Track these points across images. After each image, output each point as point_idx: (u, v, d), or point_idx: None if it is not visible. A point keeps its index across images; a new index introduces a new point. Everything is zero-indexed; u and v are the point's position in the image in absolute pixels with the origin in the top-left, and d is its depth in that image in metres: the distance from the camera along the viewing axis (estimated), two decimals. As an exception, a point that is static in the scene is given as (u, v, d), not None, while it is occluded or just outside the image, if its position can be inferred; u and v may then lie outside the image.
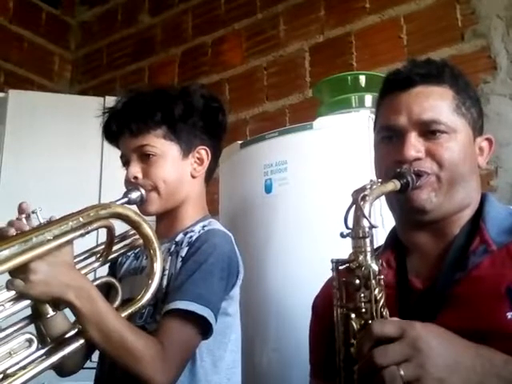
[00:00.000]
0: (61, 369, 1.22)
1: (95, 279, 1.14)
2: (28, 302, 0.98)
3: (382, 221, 1.38)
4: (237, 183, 1.81)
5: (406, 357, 0.70)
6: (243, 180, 1.77)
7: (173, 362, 1.04)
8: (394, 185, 0.90)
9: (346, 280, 0.84)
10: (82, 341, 0.99)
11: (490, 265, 0.88)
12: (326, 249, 1.11)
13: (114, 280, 1.18)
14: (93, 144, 2.39)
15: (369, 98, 1.86)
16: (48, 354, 0.99)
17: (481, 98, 1.07)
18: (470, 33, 2.08)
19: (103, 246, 1.16)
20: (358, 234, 0.83)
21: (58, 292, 0.95)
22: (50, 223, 0.97)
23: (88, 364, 1.27)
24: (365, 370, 0.72)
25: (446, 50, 2.09)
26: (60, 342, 1.02)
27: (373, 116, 1.23)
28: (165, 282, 1.16)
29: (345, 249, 0.85)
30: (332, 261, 0.86)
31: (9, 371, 0.96)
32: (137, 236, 1.15)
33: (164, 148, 1.24)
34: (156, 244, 1.07)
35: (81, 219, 0.97)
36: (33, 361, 0.98)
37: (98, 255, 1.16)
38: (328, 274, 0.89)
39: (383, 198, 0.99)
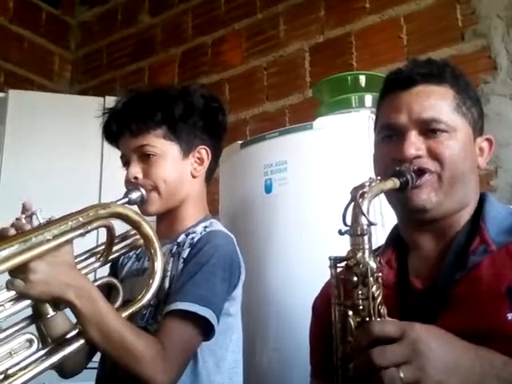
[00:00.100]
0: (62, 369, 1.22)
1: (96, 279, 1.14)
2: (28, 301, 0.98)
3: (382, 220, 1.38)
4: (237, 183, 1.81)
5: (406, 359, 0.69)
6: (243, 180, 1.77)
7: (173, 362, 1.04)
8: (393, 183, 0.90)
9: (343, 277, 0.83)
10: (82, 341, 0.99)
11: (489, 265, 0.88)
12: (326, 248, 1.10)
13: (114, 280, 1.17)
14: (93, 144, 2.39)
15: (369, 98, 1.86)
16: (48, 354, 0.98)
17: (481, 98, 1.07)
18: (470, 33, 2.08)
19: (103, 246, 1.16)
20: (356, 231, 0.83)
21: (58, 292, 0.95)
22: (50, 223, 0.97)
23: (89, 364, 1.27)
24: (362, 368, 0.72)
25: (446, 50, 2.09)
26: (60, 342, 1.02)
27: (373, 116, 1.23)
28: (167, 284, 1.16)
29: (345, 248, 0.85)
30: (330, 258, 0.86)
31: (9, 371, 0.96)
32: (137, 236, 1.14)
33: (164, 148, 1.24)
34: (157, 244, 1.06)
35: (80, 219, 0.97)
36: (33, 361, 0.98)
37: (99, 255, 1.16)
38: (328, 273, 0.89)
39: (384, 196, 0.99)
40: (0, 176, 2.41)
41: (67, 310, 1.02)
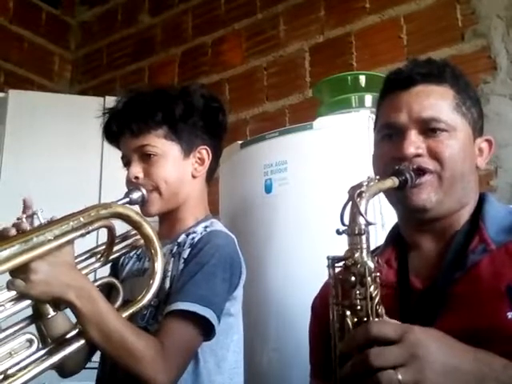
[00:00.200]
0: (62, 369, 1.22)
1: (96, 280, 1.14)
2: (29, 302, 0.98)
3: (382, 219, 1.38)
4: (237, 183, 1.81)
5: (404, 361, 0.69)
6: (243, 180, 1.77)
7: (174, 362, 1.04)
8: (392, 182, 0.90)
9: (341, 277, 0.83)
10: (82, 341, 0.99)
11: (489, 264, 0.88)
12: (326, 248, 1.10)
13: (115, 280, 1.17)
14: (93, 144, 2.39)
15: (369, 98, 1.86)
16: (49, 355, 0.98)
17: (481, 98, 1.07)
18: (470, 33, 2.08)
19: (104, 247, 1.16)
20: (353, 230, 0.83)
21: (58, 292, 0.95)
22: (51, 223, 0.97)
23: (89, 364, 1.27)
24: (359, 368, 0.72)
25: (446, 50, 2.09)
26: (61, 342, 1.02)
27: (373, 116, 1.23)
28: (167, 284, 1.16)
29: (345, 248, 0.85)
30: (328, 258, 0.86)
31: (9, 371, 0.96)
32: (138, 236, 1.14)
33: (165, 148, 1.24)
34: (157, 244, 1.06)
35: (81, 219, 0.97)
36: (33, 361, 0.98)
37: (99, 255, 1.16)
38: (327, 272, 0.89)
39: (384, 196, 0.99)
40: (0, 176, 2.41)
41: (67, 310, 1.02)
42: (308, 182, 1.62)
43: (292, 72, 2.53)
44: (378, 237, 1.16)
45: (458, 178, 0.95)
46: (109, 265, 1.26)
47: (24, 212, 1.05)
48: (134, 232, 1.17)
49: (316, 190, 1.60)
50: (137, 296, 1.06)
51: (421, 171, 0.93)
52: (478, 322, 0.83)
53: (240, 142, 1.82)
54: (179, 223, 1.27)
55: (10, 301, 0.97)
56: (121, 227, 1.13)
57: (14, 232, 0.99)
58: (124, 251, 1.22)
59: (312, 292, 1.11)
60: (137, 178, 1.22)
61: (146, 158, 1.23)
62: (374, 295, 0.79)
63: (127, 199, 1.18)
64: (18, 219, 1.02)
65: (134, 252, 1.29)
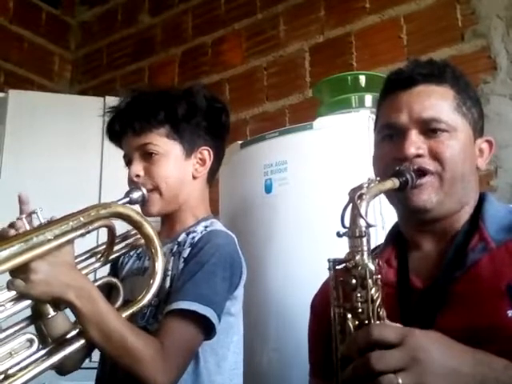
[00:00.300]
0: (60, 367, 1.22)
1: (96, 279, 1.14)
2: (29, 302, 0.98)
3: (382, 220, 1.38)
4: (237, 183, 1.81)
5: (405, 365, 0.69)
6: (243, 180, 1.77)
7: (174, 362, 1.04)
8: (392, 183, 0.90)
9: (342, 280, 0.83)
10: (82, 341, 0.99)
11: (489, 262, 0.88)
12: (326, 249, 1.10)
13: (115, 280, 1.18)
14: (93, 144, 2.39)
15: (369, 98, 1.86)
16: (49, 354, 0.98)
17: (481, 99, 1.07)
18: (470, 33, 2.08)
19: (104, 246, 1.16)
20: (354, 233, 0.83)
21: (58, 292, 0.95)
22: (51, 223, 0.97)
23: (89, 364, 1.27)
24: (359, 372, 0.72)
25: (446, 50, 2.09)
26: (61, 342, 1.02)
27: (373, 116, 1.23)
28: (167, 283, 1.16)
29: (345, 249, 0.85)
30: (329, 260, 0.86)
31: (10, 371, 0.96)
32: (138, 236, 1.14)
33: (167, 147, 1.24)
34: (157, 244, 1.06)
35: (81, 219, 0.97)
36: (34, 361, 0.98)
37: (99, 255, 1.16)
38: (328, 273, 0.89)
39: (384, 196, 0.99)
40: (0, 176, 2.40)
41: (67, 310, 1.02)
42: (308, 181, 1.62)
43: (292, 72, 2.52)
44: (378, 237, 1.16)
45: (458, 178, 0.95)
46: (109, 264, 1.26)
47: (21, 208, 1.05)
48: (134, 232, 1.17)
49: (316, 189, 1.60)
50: (137, 295, 1.06)
51: (421, 172, 0.93)
52: (478, 321, 0.83)
53: (240, 141, 1.82)
54: (180, 223, 1.27)
55: (11, 301, 0.97)
56: (121, 227, 1.13)
57: (13, 232, 0.99)
58: (124, 251, 1.22)
59: (312, 292, 1.11)
60: (138, 176, 1.22)
61: (148, 156, 1.23)
62: (375, 298, 0.79)
63: (127, 199, 1.18)
64: (18, 219, 1.03)
65: (133, 251, 1.29)
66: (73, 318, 1.04)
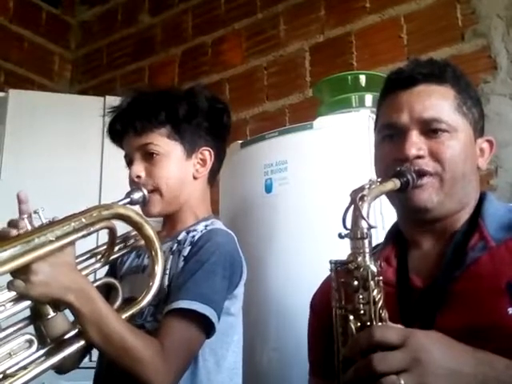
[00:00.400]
0: (59, 367, 1.21)
1: (96, 280, 1.14)
2: (29, 302, 0.98)
3: (382, 220, 1.38)
4: (237, 183, 1.81)
5: (407, 366, 0.69)
6: (243, 180, 1.77)
7: (174, 363, 1.04)
8: (393, 184, 0.90)
9: (344, 281, 0.83)
10: (82, 342, 0.99)
11: (488, 261, 0.88)
12: (327, 248, 1.10)
13: (114, 281, 1.17)
14: (93, 144, 2.39)
15: (369, 98, 1.86)
16: (48, 355, 0.98)
17: (481, 98, 1.07)
18: (470, 33, 2.08)
19: (105, 247, 1.16)
20: (356, 234, 0.83)
21: (58, 293, 0.95)
22: (53, 224, 0.96)
23: (88, 363, 1.27)
24: (361, 373, 0.72)
25: (446, 50, 2.09)
26: (60, 342, 1.02)
27: (373, 116, 1.23)
28: (166, 282, 1.16)
29: (345, 248, 0.84)
30: (331, 262, 0.86)
31: (9, 372, 0.95)
32: (138, 237, 1.14)
33: (168, 147, 1.24)
34: (158, 245, 1.06)
35: (83, 220, 0.97)
36: (33, 361, 0.97)
37: (100, 256, 1.16)
38: (328, 273, 0.89)
39: (384, 196, 0.99)
40: (0, 176, 2.40)
41: (67, 311, 1.02)
42: (308, 181, 1.62)
43: (292, 72, 2.52)
44: (378, 237, 1.16)
45: (459, 179, 0.95)
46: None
47: (20, 208, 1.05)
48: (134, 233, 1.17)
49: (316, 189, 1.60)
50: (136, 293, 1.06)
51: (422, 173, 0.93)
52: (478, 319, 0.83)
53: (240, 141, 1.82)
54: (181, 223, 1.27)
55: (11, 301, 0.96)
56: (121, 227, 1.13)
57: (15, 232, 0.99)
58: (124, 251, 1.22)
59: (312, 291, 1.11)
60: (139, 177, 1.22)
61: (149, 157, 1.23)
62: (377, 299, 0.79)
63: (128, 199, 1.18)
64: (20, 219, 1.02)
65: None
66: (72, 319, 1.04)
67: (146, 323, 1.14)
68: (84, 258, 1.13)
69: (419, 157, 0.93)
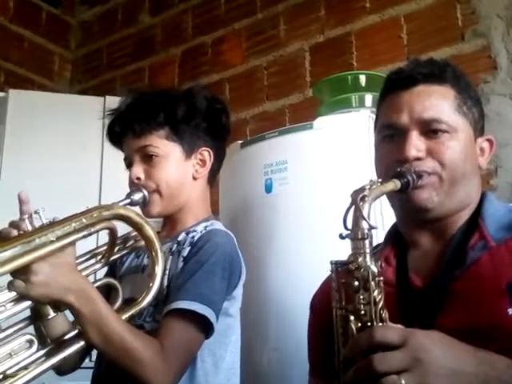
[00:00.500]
0: (59, 367, 1.21)
1: (96, 281, 1.14)
2: (29, 302, 0.98)
3: (382, 220, 1.38)
4: (237, 183, 1.81)
5: (408, 366, 0.69)
6: (243, 180, 1.77)
7: (173, 363, 1.04)
8: (394, 184, 0.90)
9: (345, 281, 0.83)
10: (82, 342, 0.99)
11: (488, 261, 0.88)
12: (327, 248, 1.10)
13: (114, 281, 1.17)
14: (93, 144, 2.39)
15: (369, 98, 1.86)
16: (48, 355, 0.98)
17: (481, 98, 1.07)
18: (470, 33, 2.08)
19: (105, 248, 1.16)
20: (357, 235, 0.83)
21: (58, 294, 0.95)
22: (53, 224, 0.96)
23: (89, 364, 1.27)
24: (362, 374, 0.72)
25: (446, 50, 2.09)
26: (60, 343, 1.02)
27: (373, 116, 1.23)
28: (165, 282, 1.16)
29: (345, 248, 0.84)
30: (331, 262, 0.85)
31: (9, 372, 0.95)
32: (138, 237, 1.14)
33: (167, 149, 1.24)
34: (158, 246, 1.06)
35: (84, 220, 0.97)
36: (33, 362, 0.97)
37: (100, 257, 1.16)
38: (328, 273, 0.89)
39: (384, 196, 0.99)
40: (0, 176, 2.40)
41: (67, 311, 1.02)
42: (308, 181, 1.62)
43: (292, 72, 2.52)
44: (378, 237, 1.16)
45: (459, 179, 0.95)
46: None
47: (21, 208, 1.05)
48: (134, 233, 1.17)
49: (316, 189, 1.60)
50: (136, 293, 1.06)
51: (421, 174, 0.93)
52: (478, 319, 0.83)
53: (240, 141, 1.82)
54: (181, 224, 1.27)
55: (11, 301, 0.96)
56: (121, 227, 1.13)
57: (15, 233, 0.99)
58: (125, 252, 1.22)
59: (312, 292, 1.11)
60: (138, 178, 1.22)
61: (148, 159, 1.23)
62: (377, 300, 0.79)
63: (128, 200, 1.18)
64: (20, 219, 1.02)
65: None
66: (72, 319, 1.04)
67: (145, 323, 1.15)
68: (84, 258, 1.13)
69: (419, 158, 0.93)
